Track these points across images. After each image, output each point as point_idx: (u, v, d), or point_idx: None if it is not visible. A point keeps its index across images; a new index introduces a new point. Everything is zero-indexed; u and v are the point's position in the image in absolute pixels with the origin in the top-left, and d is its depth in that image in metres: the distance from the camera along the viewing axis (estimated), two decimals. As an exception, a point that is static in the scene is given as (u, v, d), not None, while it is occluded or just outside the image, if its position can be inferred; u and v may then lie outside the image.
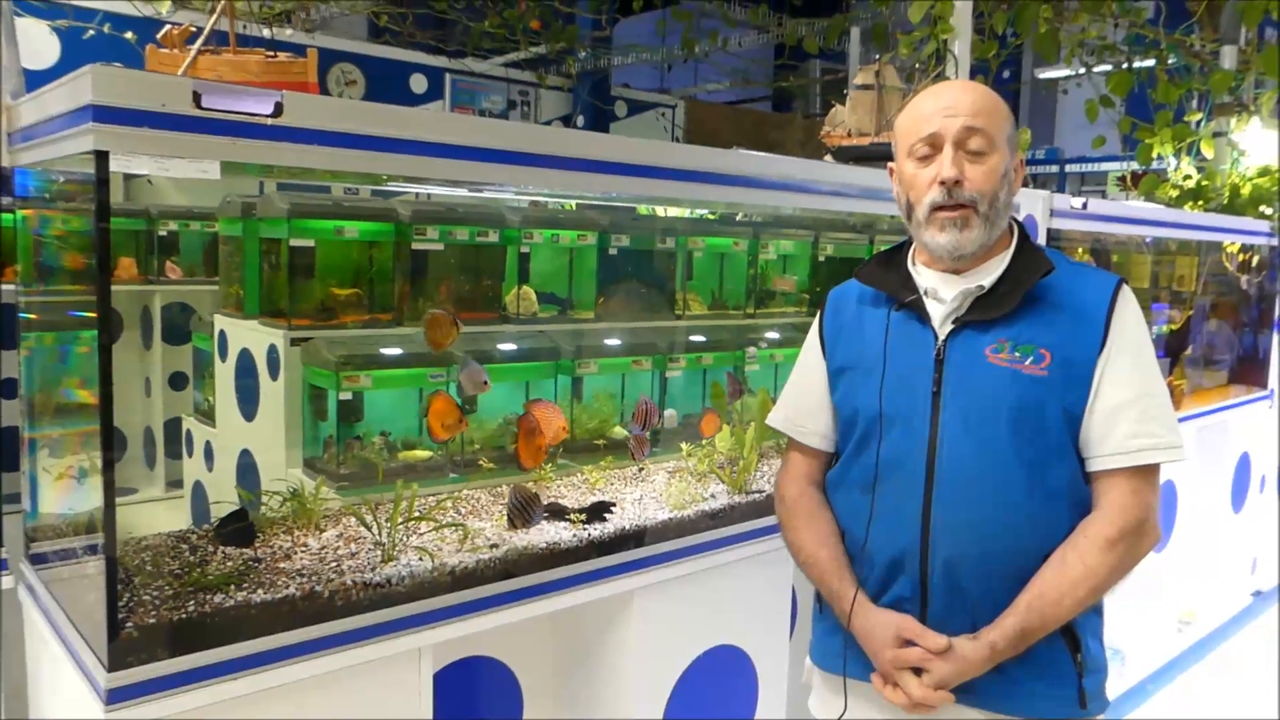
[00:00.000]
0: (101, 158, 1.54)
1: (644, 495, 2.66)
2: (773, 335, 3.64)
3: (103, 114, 1.52)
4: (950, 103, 1.73)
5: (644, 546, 2.38)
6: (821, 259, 3.89)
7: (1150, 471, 1.70)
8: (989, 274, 1.77)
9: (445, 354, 2.70)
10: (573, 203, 3.77)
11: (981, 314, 1.75)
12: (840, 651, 1.85)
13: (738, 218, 3.86)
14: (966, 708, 1.73)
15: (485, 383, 2.53)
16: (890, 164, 1.87)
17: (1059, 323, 1.72)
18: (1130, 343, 1.72)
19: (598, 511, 2.44)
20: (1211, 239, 4.90)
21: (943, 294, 1.78)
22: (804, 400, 2.00)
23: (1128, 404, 1.69)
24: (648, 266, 3.44)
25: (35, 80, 2.06)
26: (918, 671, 1.71)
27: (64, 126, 1.69)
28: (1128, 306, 1.74)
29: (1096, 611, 1.78)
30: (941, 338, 1.77)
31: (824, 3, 8.89)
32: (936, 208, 1.73)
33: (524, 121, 8.72)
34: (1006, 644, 1.66)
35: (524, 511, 2.32)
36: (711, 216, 3.79)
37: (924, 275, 1.83)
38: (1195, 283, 5.03)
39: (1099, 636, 1.79)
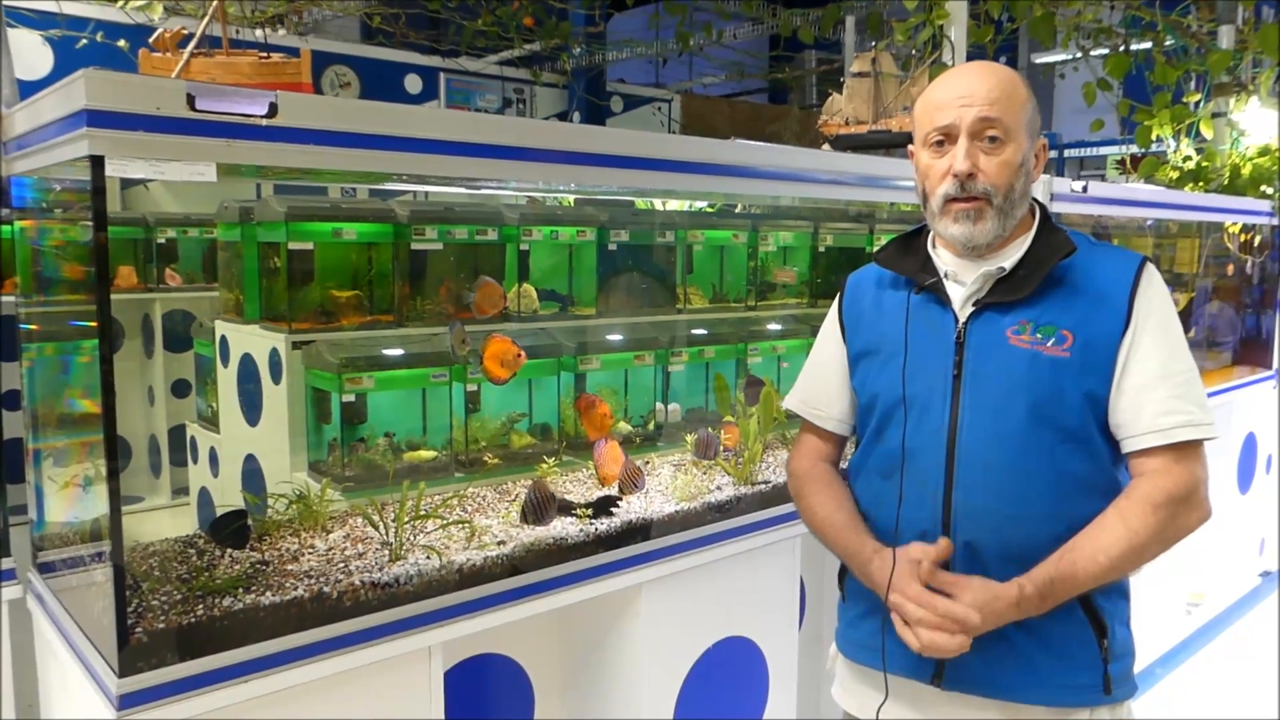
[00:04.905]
0: (97, 162, 1.53)
1: (650, 489, 2.65)
2: (774, 327, 3.63)
3: (97, 118, 1.51)
4: (966, 91, 1.69)
5: (651, 540, 2.38)
6: (821, 249, 3.89)
7: (1189, 448, 1.67)
8: (1009, 256, 1.75)
9: (445, 355, 2.70)
10: (570, 199, 3.77)
11: (1002, 296, 1.72)
12: (869, 643, 1.81)
13: (736, 210, 3.86)
14: (986, 700, 1.71)
15: (465, 341, 2.53)
16: (910, 147, 1.84)
17: (1081, 303, 1.70)
18: (1155, 322, 1.68)
19: (604, 506, 2.44)
20: (1212, 220, 4.89)
21: (963, 277, 1.77)
22: (821, 384, 1.98)
23: (1156, 382, 1.66)
24: (647, 261, 3.43)
25: (29, 91, 2.05)
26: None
27: (59, 133, 1.68)
28: (1152, 285, 1.71)
29: (1124, 596, 1.77)
30: (962, 320, 1.75)
31: (818, -8, 8.87)
32: (950, 199, 1.71)
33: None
34: (1034, 589, 1.60)
35: (539, 510, 2.31)
36: (710, 209, 3.78)
37: (944, 258, 1.81)
38: (1197, 264, 5.01)
39: (1125, 622, 1.77)
